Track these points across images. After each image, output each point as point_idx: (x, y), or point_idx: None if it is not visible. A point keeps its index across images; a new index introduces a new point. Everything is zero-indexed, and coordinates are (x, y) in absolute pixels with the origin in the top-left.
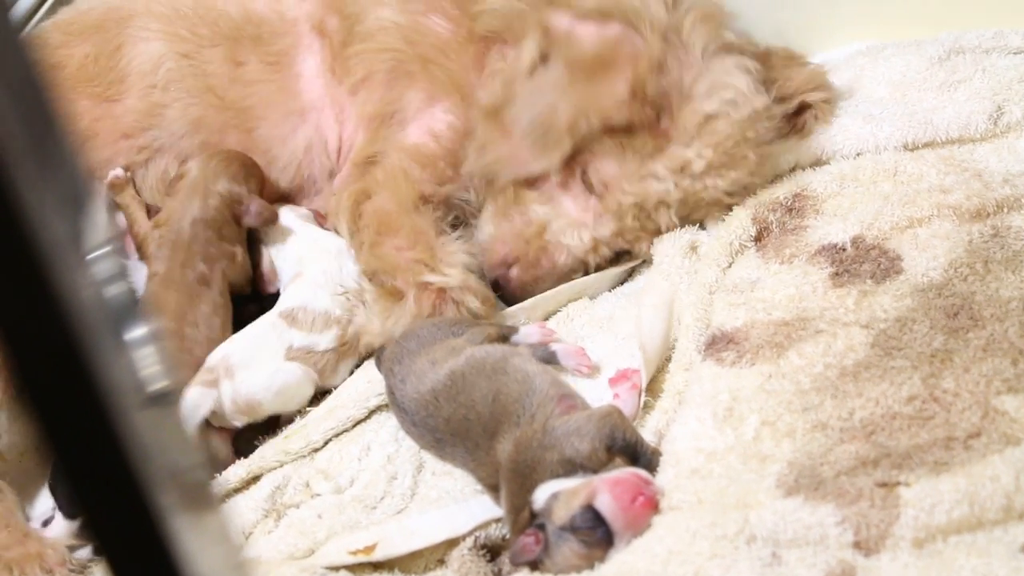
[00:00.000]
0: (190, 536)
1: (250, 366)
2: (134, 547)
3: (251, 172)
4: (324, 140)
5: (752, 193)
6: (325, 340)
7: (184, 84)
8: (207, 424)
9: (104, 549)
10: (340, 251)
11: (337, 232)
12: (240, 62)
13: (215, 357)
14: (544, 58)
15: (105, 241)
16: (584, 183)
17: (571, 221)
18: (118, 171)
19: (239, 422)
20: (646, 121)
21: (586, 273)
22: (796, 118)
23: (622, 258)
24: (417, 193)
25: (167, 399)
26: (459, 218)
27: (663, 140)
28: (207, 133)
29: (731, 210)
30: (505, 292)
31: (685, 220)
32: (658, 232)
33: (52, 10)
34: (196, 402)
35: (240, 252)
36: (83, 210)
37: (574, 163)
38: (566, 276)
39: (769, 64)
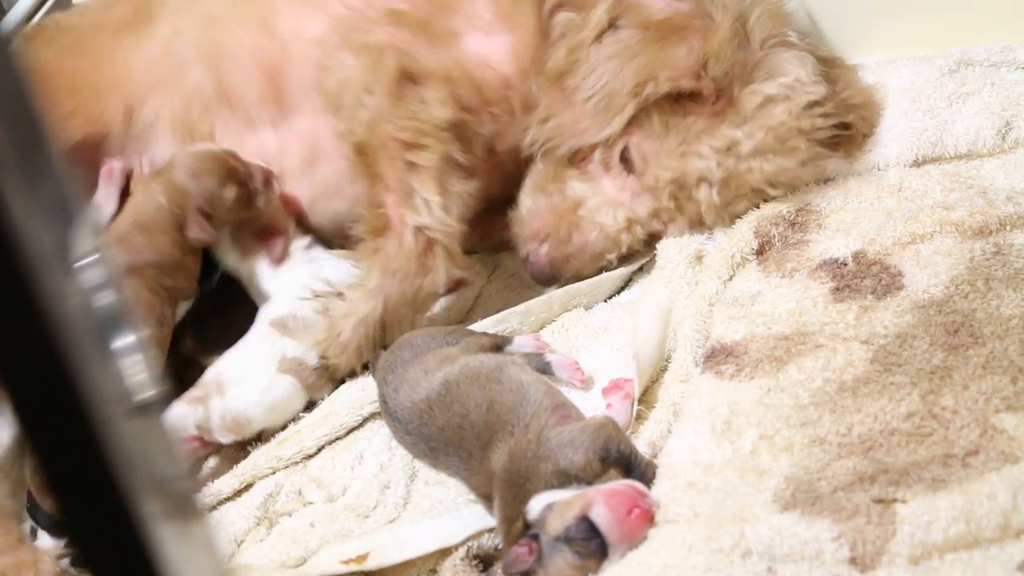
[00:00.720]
0: (175, 546)
1: (242, 382)
2: (118, 557)
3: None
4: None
5: (795, 189)
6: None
7: None
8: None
9: (89, 560)
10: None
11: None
12: None
13: (208, 375)
14: (613, 24)
15: (93, 249)
16: (624, 162)
17: (607, 200)
18: (113, 164)
19: (225, 439)
20: (706, 98)
21: (619, 256)
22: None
23: (627, 260)
24: (455, 114)
25: (153, 408)
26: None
27: (716, 121)
28: (220, 29)
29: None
30: (533, 270)
31: (727, 206)
32: (698, 216)
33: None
34: (179, 422)
35: None
36: (71, 219)
37: (620, 140)
38: (597, 257)
39: (827, 68)
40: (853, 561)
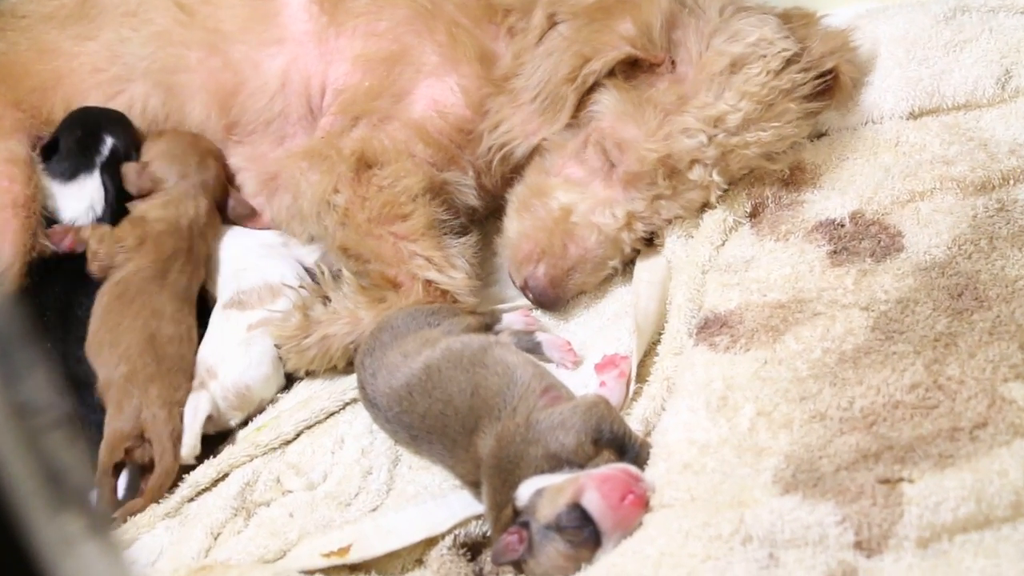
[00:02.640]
0: (88, 566)
1: (226, 358)
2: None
3: (220, 160)
4: (306, 78)
5: (792, 148)
6: (280, 306)
7: (153, 3)
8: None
9: None
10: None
11: (309, 183)
12: None
13: (200, 367)
14: (552, 23)
15: None
16: (606, 157)
17: (599, 200)
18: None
19: (235, 420)
20: (658, 66)
21: (622, 262)
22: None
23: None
24: (425, 178)
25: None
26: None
27: (687, 88)
28: (169, 49)
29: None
30: (536, 294)
31: (731, 182)
32: (705, 200)
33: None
34: (194, 406)
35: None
36: None
37: (591, 134)
38: (600, 265)
39: (790, 25)
40: (859, 545)
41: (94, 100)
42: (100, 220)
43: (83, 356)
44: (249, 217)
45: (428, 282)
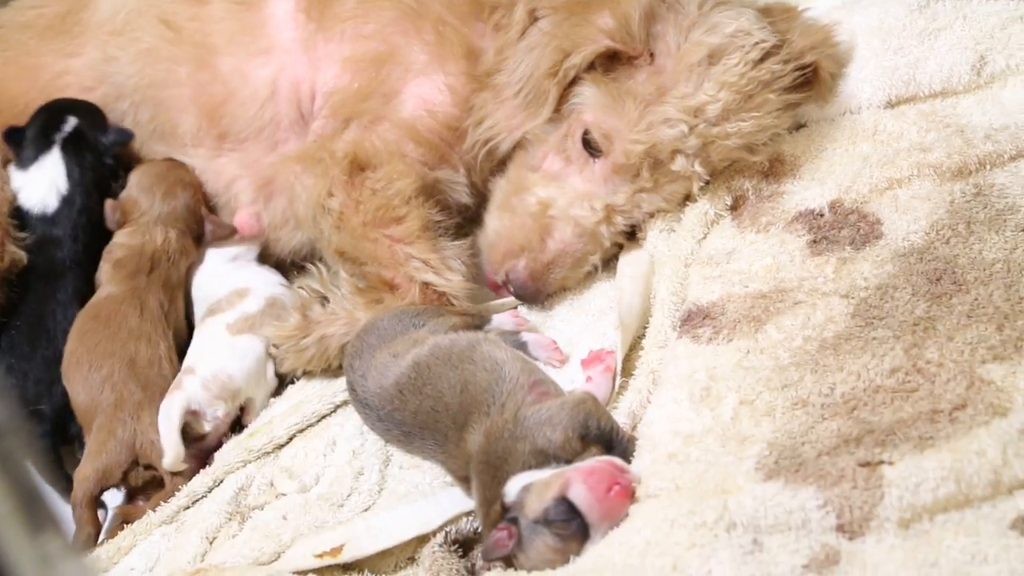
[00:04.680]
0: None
1: (205, 356)
2: None
3: (190, 180)
4: (295, 84)
5: (772, 140)
6: (253, 305)
7: (139, 22)
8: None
9: None
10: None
11: (303, 187)
12: (204, 1)
13: (179, 374)
14: (533, 18)
15: None
16: (588, 148)
17: (578, 194)
18: None
19: (221, 411)
20: (637, 58)
21: (602, 258)
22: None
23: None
24: (418, 179)
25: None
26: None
27: (666, 79)
28: (157, 66)
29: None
30: (516, 287)
31: (712, 174)
32: (686, 192)
33: None
34: (166, 413)
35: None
36: None
37: (573, 128)
38: (580, 260)
39: (771, 19)
40: (840, 528)
41: None
42: (68, 200)
43: (41, 376)
44: (228, 238)
45: (425, 285)
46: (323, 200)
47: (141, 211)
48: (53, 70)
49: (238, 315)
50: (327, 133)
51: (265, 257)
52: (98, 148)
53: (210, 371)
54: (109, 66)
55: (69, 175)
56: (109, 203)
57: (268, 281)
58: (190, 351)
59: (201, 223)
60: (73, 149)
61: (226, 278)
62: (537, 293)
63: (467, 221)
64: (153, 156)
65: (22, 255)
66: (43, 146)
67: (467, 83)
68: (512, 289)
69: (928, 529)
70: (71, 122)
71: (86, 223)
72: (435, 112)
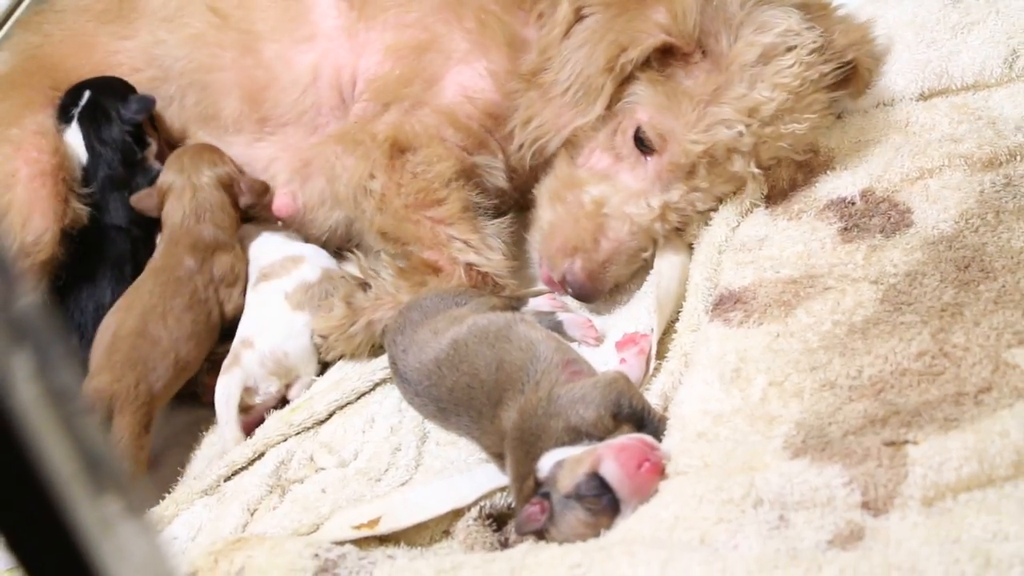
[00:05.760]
0: (111, 545)
1: (266, 328)
2: (52, 559)
3: (222, 156)
4: (337, 70)
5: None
6: (310, 273)
7: (189, 8)
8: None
9: (22, 562)
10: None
11: (344, 167)
12: None
13: (235, 343)
14: (579, 16)
15: None
16: (639, 146)
17: (631, 192)
18: None
19: (274, 387)
20: (691, 55)
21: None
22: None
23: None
24: (457, 162)
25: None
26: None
27: (722, 78)
28: (204, 50)
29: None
30: (575, 289)
31: (767, 172)
32: (738, 190)
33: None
34: (225, 391)
35: (236, 247)
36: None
37: (624, 125)
38: (634, 257)
39: (809, 16)
40: (865, 505)
41: None
42: (86, 170)
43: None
44: (263, 193)
45: (469, 266)
46: (364, 181)
47: (173, 186)
48: (107, 49)
49: (296, 283)
50: (367, 115)
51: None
52: (121, 118)
53: (268, 347)
54: (158, 49)
55: (88, 146)
56: (143, 193)
57: (319, 253)
58: (245, 318)
59: (232, 183)
60: (89, 121)
61: (279, 246)
62: (595, 292)
63: (504, 204)
64: (196, 141)
65: (84, 212)
66: (64, 121)
67: (508, 70)
68: (570, 290)
69: (951, 507)
70: (86, 96)
71: (110, 191)
72: (475, 99)
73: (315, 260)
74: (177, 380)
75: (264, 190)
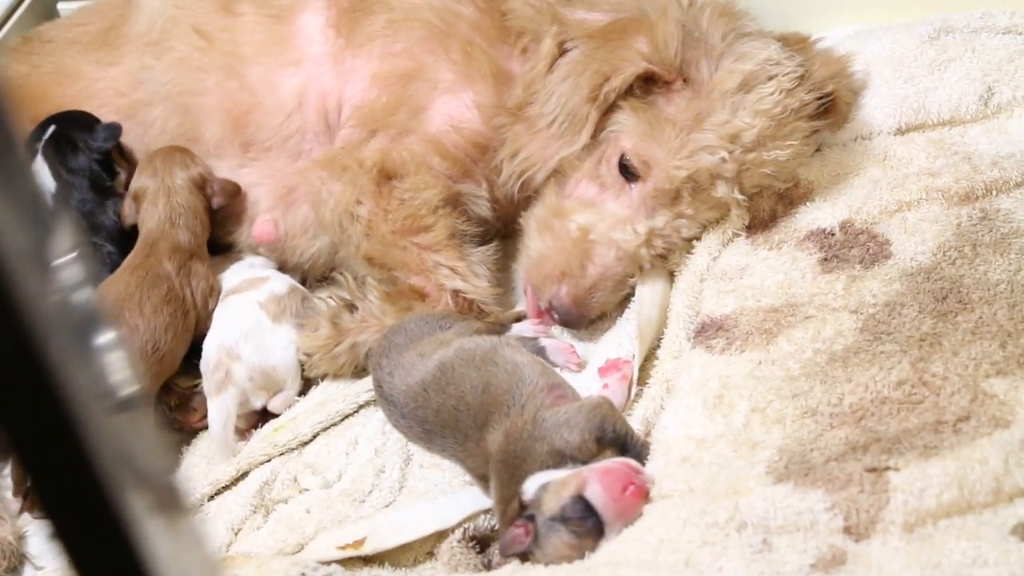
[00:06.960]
0: (161, 543)
1: (248, 336)
2: (104, 556)
3: (193, 157)
4: (322, 95)
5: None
6: (279, 286)
7: (175, 31)
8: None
9: (73, 558)
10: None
11: (330, 192)
12: (237, 13)
13: (212, 355)
14: (562, 50)
15: (71, 247)
16: (624, 173)
17: (617, 218)
18: None
19: (260, 402)
20: (672, 83)
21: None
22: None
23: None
24: (443, 190)
25: (135, 404)
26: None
27: (703, 105)
28: (189, 74)
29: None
30: (560, 313)
31: (749, 201)
32: (721, 218)
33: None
34: (222, 413)
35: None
36: (46, 219)
37: (608, 154)
38: (620, 284)
39: (788, 49)
40: (847, 530)
41: (111, 120)
42: (55, 197)
43: None
44: (235, 194)
45: (455, 292)
46: (351, 207)
47: (147, 190)
48: (90, 77)
49: (267, 294)
50: (354, 142)
51: (281, 268)
52: (88, 147)
53: (256, 361)
54: (144, 74)
55: (55, 175)
56: (124, 203)
57: (284, 277)
58: (216, 330)
59: (205, 184)
60: (54, 152)
61: (245, 271)
62: (581, 318)
63: (488, 233)
64: None
65: None
66: (31, 155)
67: (494, 103)
68: (556, 316)
69: (931, 533)
70: (50, 129)
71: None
72: (461, 128)
73: (281, 278)
74: (158, 375)
75: (236, 191)
